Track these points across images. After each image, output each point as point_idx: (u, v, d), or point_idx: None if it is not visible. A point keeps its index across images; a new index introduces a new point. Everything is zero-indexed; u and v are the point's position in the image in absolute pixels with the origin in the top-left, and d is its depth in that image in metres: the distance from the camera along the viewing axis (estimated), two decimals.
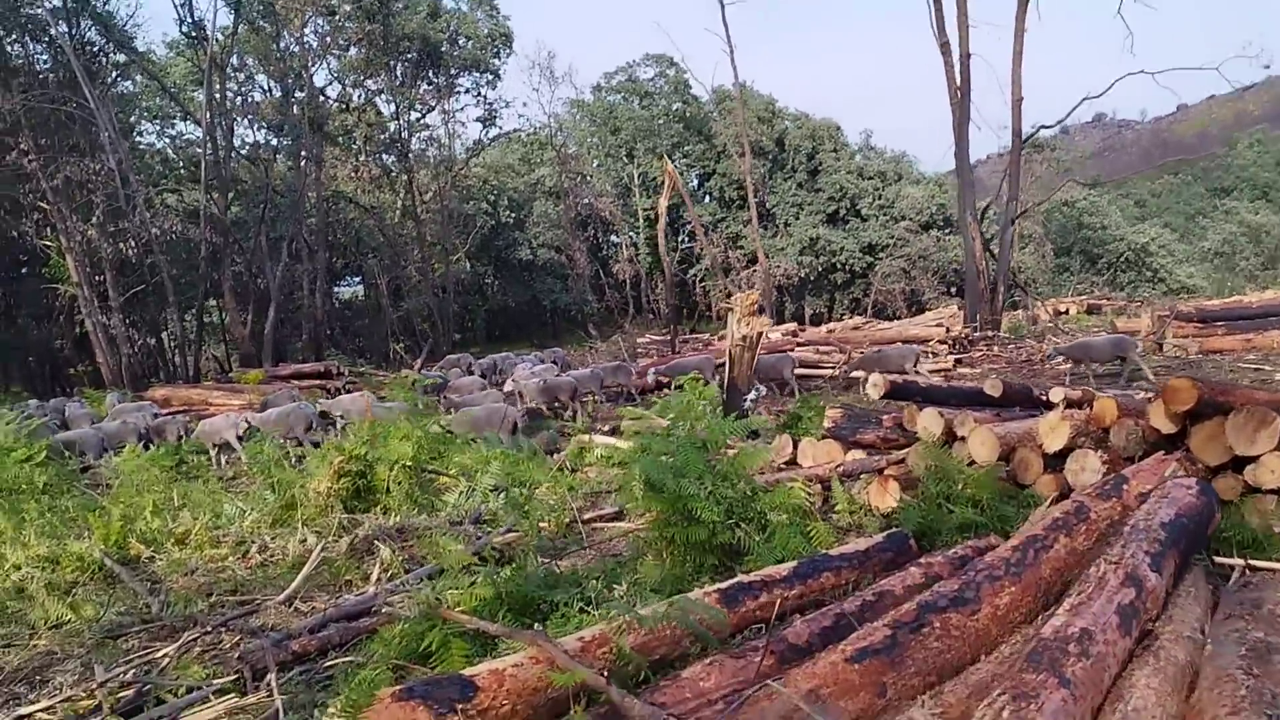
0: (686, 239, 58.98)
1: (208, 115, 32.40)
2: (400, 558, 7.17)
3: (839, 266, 54.45)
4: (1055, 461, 7.14)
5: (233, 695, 4.80)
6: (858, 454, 8.30)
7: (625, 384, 20.04)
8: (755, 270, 54.88)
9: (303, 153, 34.87)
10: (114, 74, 34.75)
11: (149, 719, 4.57)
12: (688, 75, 59.36)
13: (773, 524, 6.38)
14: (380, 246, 47.22)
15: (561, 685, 4.28)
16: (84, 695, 5.33)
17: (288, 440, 15.58)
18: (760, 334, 10.05)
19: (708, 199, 60.70)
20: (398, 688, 4.06)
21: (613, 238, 62.47)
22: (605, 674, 4.37)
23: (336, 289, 50.90)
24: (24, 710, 5.23)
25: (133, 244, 29.42)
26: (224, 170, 33.08)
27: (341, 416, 15.94)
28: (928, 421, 7.75)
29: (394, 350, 43.31)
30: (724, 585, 5.37)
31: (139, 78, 40.23)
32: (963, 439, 7.49)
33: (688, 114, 58.88)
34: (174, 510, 9.49)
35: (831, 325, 33.21)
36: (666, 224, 60.30)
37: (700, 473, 6.26)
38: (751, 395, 10.20)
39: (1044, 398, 9.06)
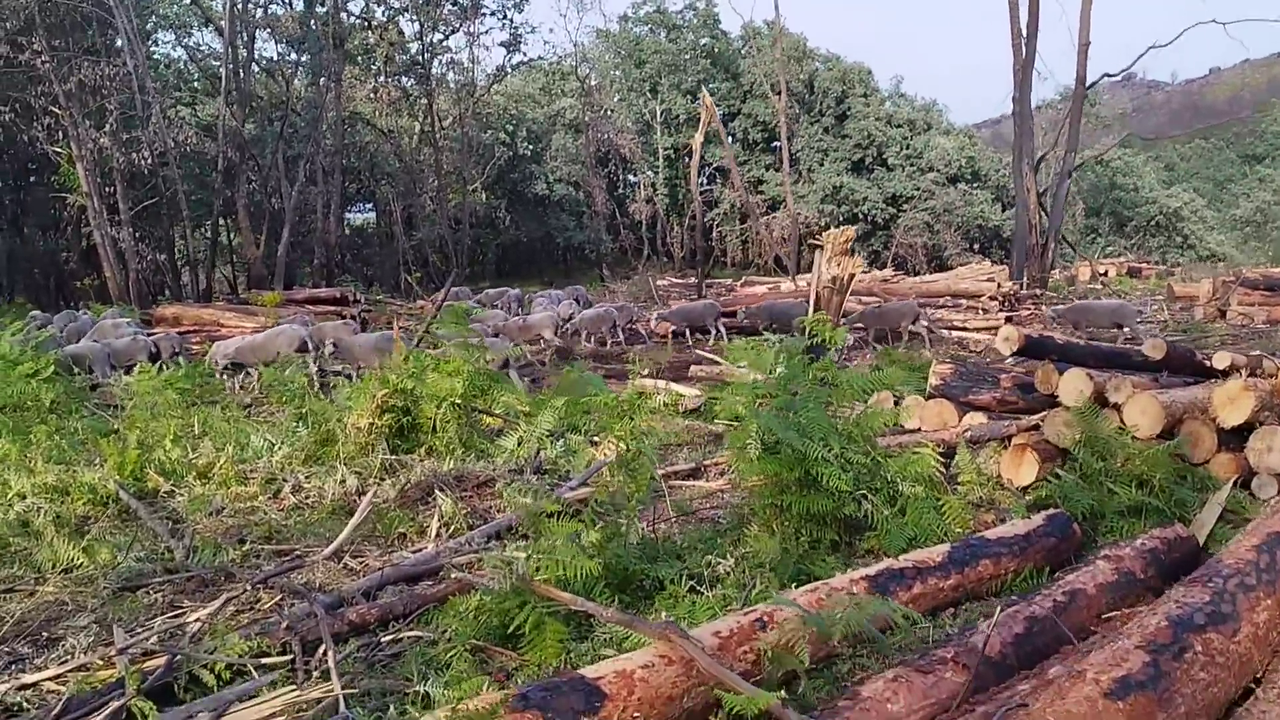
0: (704, 181, 57.63)
1: (229, 22, 30.96)
2: (462, 510, 6.23)
3: (861, 217, 53.11)
4: (1231, 438, 6.20)
5: (290, 688, 3.87)
6: (977, 417, 7.35)
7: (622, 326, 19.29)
8: (775, 216, 53.69)
9: (323, 69, 33.42)
10: None
11: (187, 715, 3.64)
12: (718, 8, 57.50)
13: (903, 496, 5.44)
14: (395, 173, 45.89)
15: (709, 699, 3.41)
16: (100, 663, 4.43)
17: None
18: (852, 276, 9.06)
19: (730, 140, 59.12)
20: (510, 694, 3.17)
21: (630, 176, 61.10)
22: (750, 678, 3.48)
23: (348, 215, 49.63)
24: (29, 678, 4.33)
25: (146, 154, 28.16)
26: (243, 83, 31.66)
27: (333, 346, 14.89)
28: (1074, 384, 6.75)
29: (405, 280, 42.25)
30: (871, 571, 4.46)
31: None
32: (1115, 406, 6.53)
33: (716, 49, 57.14)
34: (194, 439, 8.58)
35: (876, 275, 32.08)
36: (676, 161, 59.47)
37: (825, 433, 5.31)
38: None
39: (1207, 363, 8.03)
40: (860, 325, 17.94)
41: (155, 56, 38.01)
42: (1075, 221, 47.58)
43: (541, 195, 54.58)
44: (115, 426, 9.56)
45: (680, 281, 35.12)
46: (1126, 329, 15.60)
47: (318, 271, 36.40)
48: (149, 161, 28.93)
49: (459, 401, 7.70)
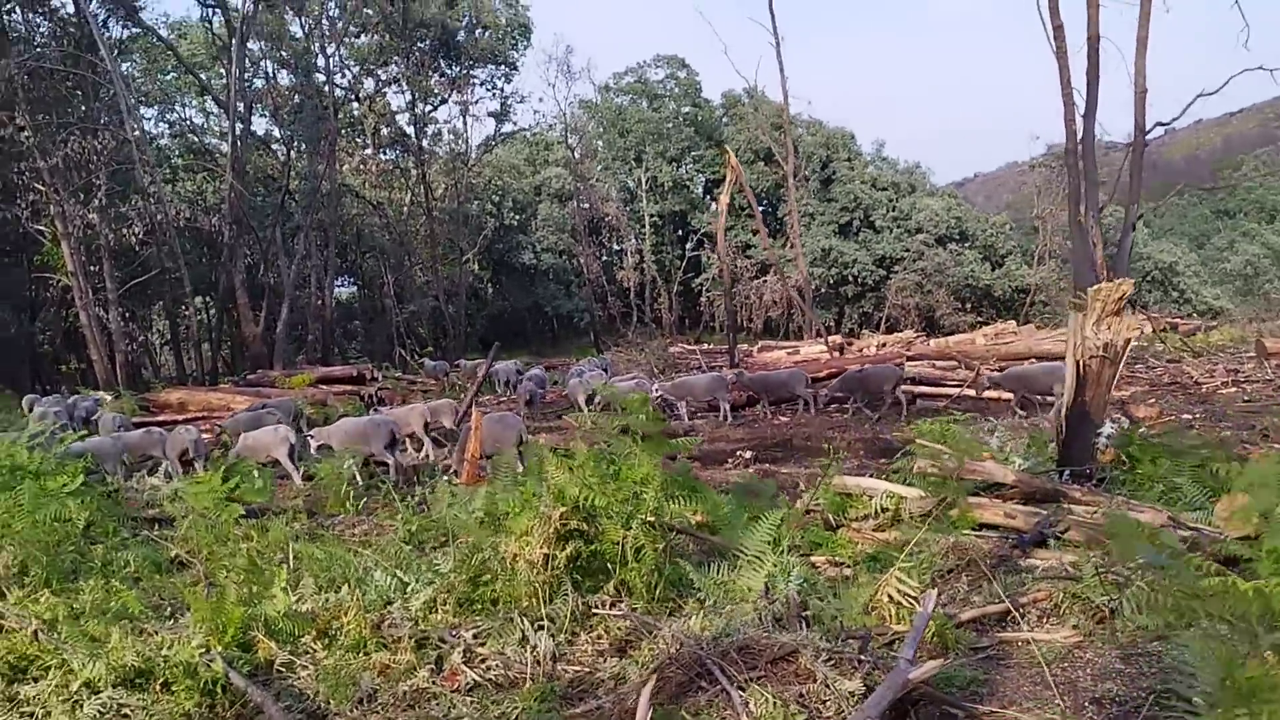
0: (694, 245, 56.30)
1: (233, 89, 29.08)
2: (775, 707, 4.15)
3: (851, 279, 51.95)
4: None
5: None
6: None
7: (721, 397, 17.32)
8: (765, 280, 52.39)
9: (319, 140, 31.61)
10: (115, 52, 31.44)
11: None
12: (699, 77, 56.68)
13: None
14: (382, 245, 44.07)
15: None
16: None
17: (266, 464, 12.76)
18: (1128, 341, 7.18)
19: (714, 205, 58.00)
20: None
21: (615, 244, 59.73)
22: None
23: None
24: None
25: (137, 230, 26.05)
26: (240, 156, 29.72)
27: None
28: None
29: (400, 354, 40.17)
30: None
31: (136, 59, 37.01)
32: None
33: (699, 118, 56.18)
34: (288, 574, 6.53)
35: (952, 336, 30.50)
36: (662, 228, 58.30)
37: None
38: (1107, 430, 7.38)
39: None
40: (841, 392, 16.58)
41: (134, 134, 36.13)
42: (1069, 279, 46.53)
43: (529, 265, 52.97)
44: (174, 553, 7.49)
45: (692, 348, 33.37)
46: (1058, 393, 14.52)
47: (311, 348, 34.29)
48: (139, 236, 26.82)
49: (652, 519, 5.76)
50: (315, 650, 5.37)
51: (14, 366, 37.60)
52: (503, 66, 43.77)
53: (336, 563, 6.82)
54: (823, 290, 52.40)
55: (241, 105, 29.96)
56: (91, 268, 28.35)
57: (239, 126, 29.43)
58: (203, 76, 35.18)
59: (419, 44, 39.71)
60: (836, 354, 29.32)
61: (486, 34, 41.82)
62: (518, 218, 52.93)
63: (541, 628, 5.30)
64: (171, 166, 37.92)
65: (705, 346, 36.54)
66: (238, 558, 6.67)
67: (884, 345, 30.70)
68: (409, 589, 6.00)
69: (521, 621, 5.32)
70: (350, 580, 6.16)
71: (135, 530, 8.59)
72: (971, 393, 15.62)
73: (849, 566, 6.21)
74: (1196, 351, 20.04)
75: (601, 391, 18.18)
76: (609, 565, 5.85)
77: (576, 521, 5.79)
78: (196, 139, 41.13)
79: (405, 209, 43.08)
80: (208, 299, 30.52)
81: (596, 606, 5.60)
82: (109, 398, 22.12)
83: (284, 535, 7.55)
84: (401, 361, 37.73)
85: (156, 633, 5.55)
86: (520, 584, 5.61)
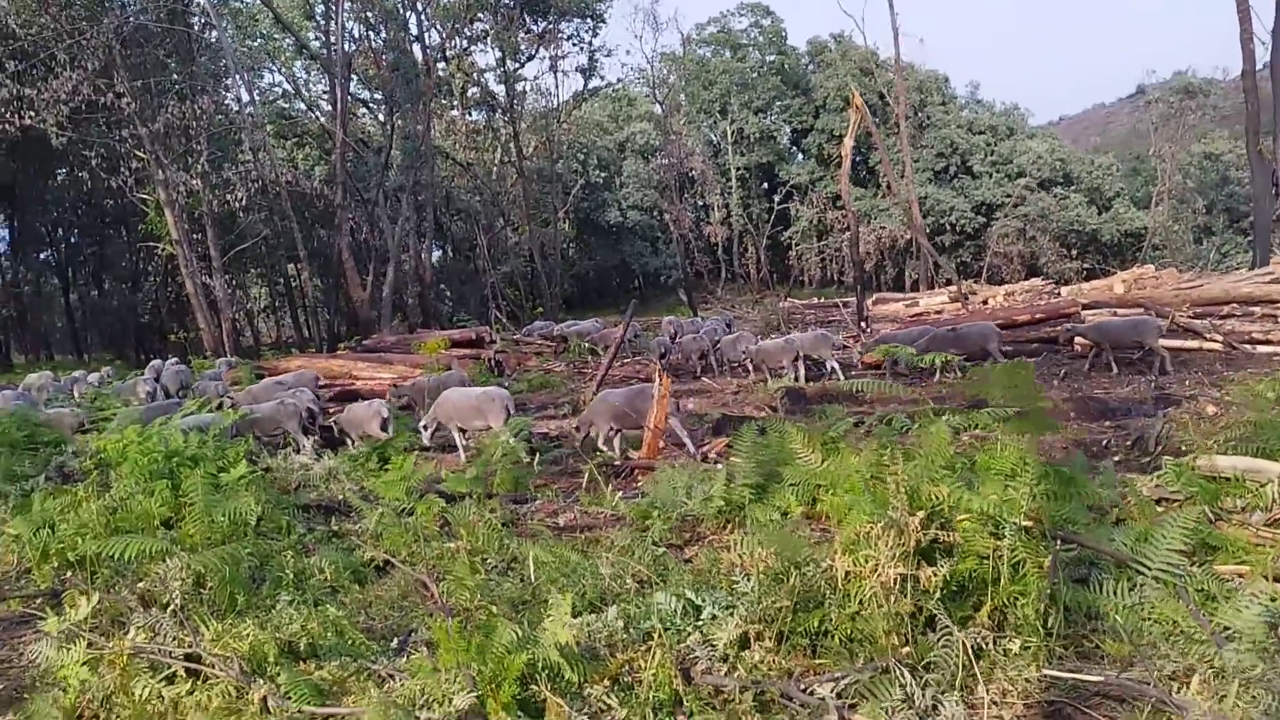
0: (782, 198, 54.21)
1: (341, 47, 27.70)
2: None
3: (949, 227, 49.56)
4: None
5: None
6: None
7: (825, 357, 15.61)
8: (860, 231, 50.11)
9: (419, 99, 30.15)
10: (213, 13, 30.41)
11: None
12: (784, 24, 54.23)
13: None
14: (471, 207, 42.83)
15: None
16: None
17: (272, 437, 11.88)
18: None
19: (802, 157, 55.78)
20: None
21: (700, 200, 57.80)
22: None
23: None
24: None
25: (240, 195, 25.02)
26: (346, 116, 28.28)
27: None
28: None
29: (495, 315, 39.04)
30: None
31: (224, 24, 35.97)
32: None
33: (785, 66, 53.79)
34: (520, 586, 5.18)
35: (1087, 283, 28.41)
36: (751, 180, 56.16)
37: None
38: None
39: None
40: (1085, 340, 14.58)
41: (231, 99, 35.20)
42: (1186, 221, 43.65)
43: (615, 223, 51.36)
44: (368, 555, 6.19)
45: (804, 304, 31.65)
46: (1152, 348, 12.85)
47: (413, 311, 33.21)
48: (242, 202, 25.82)
49: (1030, 522, 4.27)
50: (613, 708, 3.97)
51: (119, 336, 37.36)
52: (589, 20, 41.96)
53: (578, 570, 5.45)
54: (918, 241, 50.06)
55: (343, 68, 28.56)
56: (195, 235, 27.55)
57: (339, 90, 27.97)
58: (293, 41, 33.98)
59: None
60: (962, 304, 27.42)
61: None
62: (603, 175, 51.35)
63: (925, 681, 3.84)
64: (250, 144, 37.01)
65: (818, 301, 34.84)
66: (461, 566, 5.32)
67: (1012, 294, 28.69)
68: (703, 614, 4.57)
69: (899, 671, 3.86)
70: (617, 598, 4.76)
71: (309, 523, 7.31)
72: (1170, 343, 13.76)
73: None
74: None
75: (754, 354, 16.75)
76: (973, 586, 4.36)
77: (934, 529, 4.30)
78: (286, 105, 40.22)
79: (495, 169, 41.69)
80: (305, 266, 29.30)
81: (988, 647, 4.10)
82: (225, 366, 21.23)
83: (497, 531, 6.19)
84: (498, 322, 36.68)
85: (393, 676, 4.23)
86: (875, 615, 4.14)
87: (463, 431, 11.74)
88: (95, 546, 5.96)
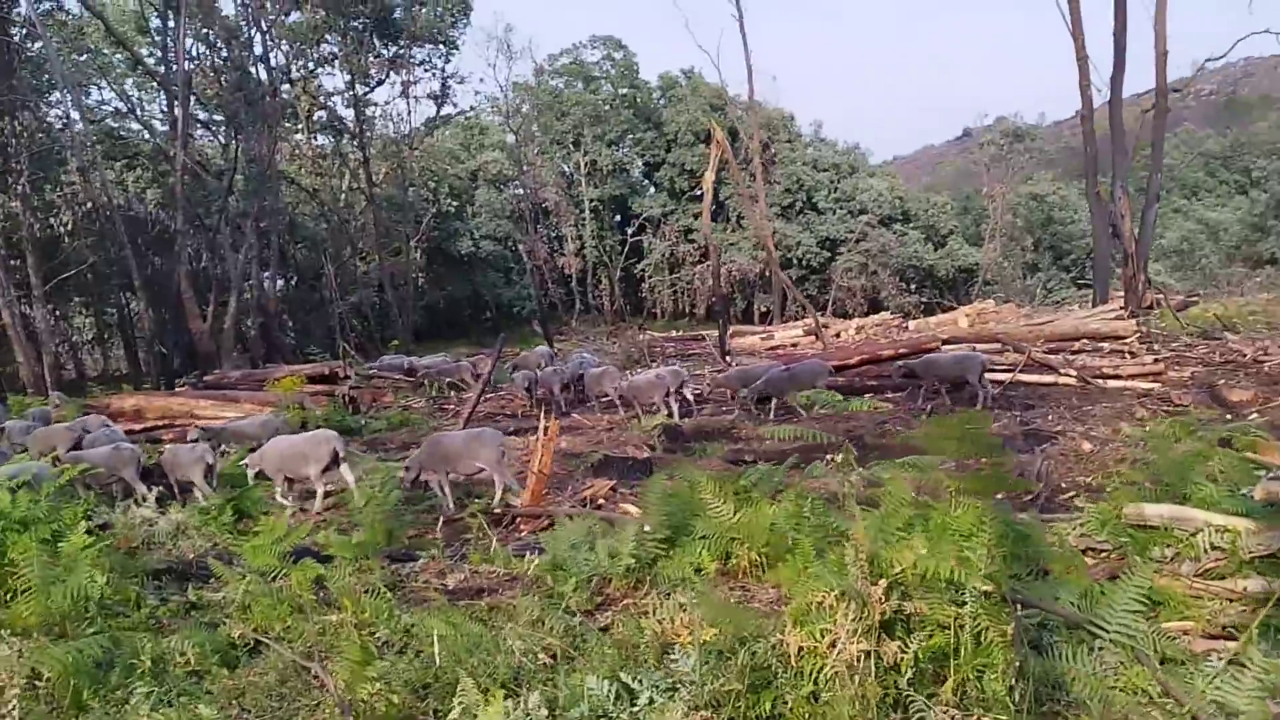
0: (634, 230, 54.38)
1: (181, 61, 25.90)
2: None
3: (795, 261, 50.64)
4: None
5: None
6: None
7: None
8: (708, 265, 50.65)
9: (262, 122, 28.64)
10: (23, 31, 28.15)
11: None
12: (636, 58, 54.65)
13: None
14: (317, 235, 41.12)
15: None
16: None
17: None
18: None
19: (654, 190, 56.18)
20: None
21: (554, 231, 57.37)
22: None
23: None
24: None
25: (65, 219, 23.11)
26: (186, 137, 26.38)
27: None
28: None
29: (342, 347, 37.43)
30: None
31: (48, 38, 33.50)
32: None
33: (637, 99, 54.16)
34: (416, 664, 4.59)
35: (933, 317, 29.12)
36: (604, 212, 56.16)
37: None
38: None
39: None
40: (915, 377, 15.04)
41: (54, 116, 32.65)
42: (1014, 258, 45.96)
43: (467, 253, 50.34)
44: (235, 633, 5.42)
45: (663, 336, 31.60)
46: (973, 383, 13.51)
47: (254, 343, 31.45)
48: (68, 227, 23.88)
49: (989, 587, 3.93)
50: None
51: None
52: (441, 45, 41.11)
53: (483, 645, 4.87)
54: (767, 274, 50.95)
55: (181, 84, 26.80)
56: (12, 261, 25.34)
57: (179, 109, 26.16)
58: (125, 56, 31.90)
59: (354, 21, 36.96)
60: (815, 339, 27.86)
61: (425, 10, 39.09)
62: (454, 204, 50.39)
63: None
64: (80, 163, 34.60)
65: (675, 333, 34.87)
66: (350, 645, 4.65)
67: (862, 329, 29.36)
68: (639, 699, 4.08)
69: None
70: (533, 679, 4.23)
71: (161, 593, 6.45)
72: (1027, 378, 14.12)
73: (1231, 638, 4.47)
74: (1232, 328, 18.87)
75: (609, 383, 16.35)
76: (932, 659, 4.02)
77: (896, 599, 3.95)
78: (116, 124, 37.74)
79: (343, 195, 40.21)
80: (140, 295, 27.05)
81: None
82: (54, 404, 19.44)
83: (385, 600, 5.54)
84: (347, 355, 35.11)
85: None
86: (839, 698, 3.73)
87: (290, 482, 10.81)
88: None
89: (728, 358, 22.37)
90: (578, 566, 6.13)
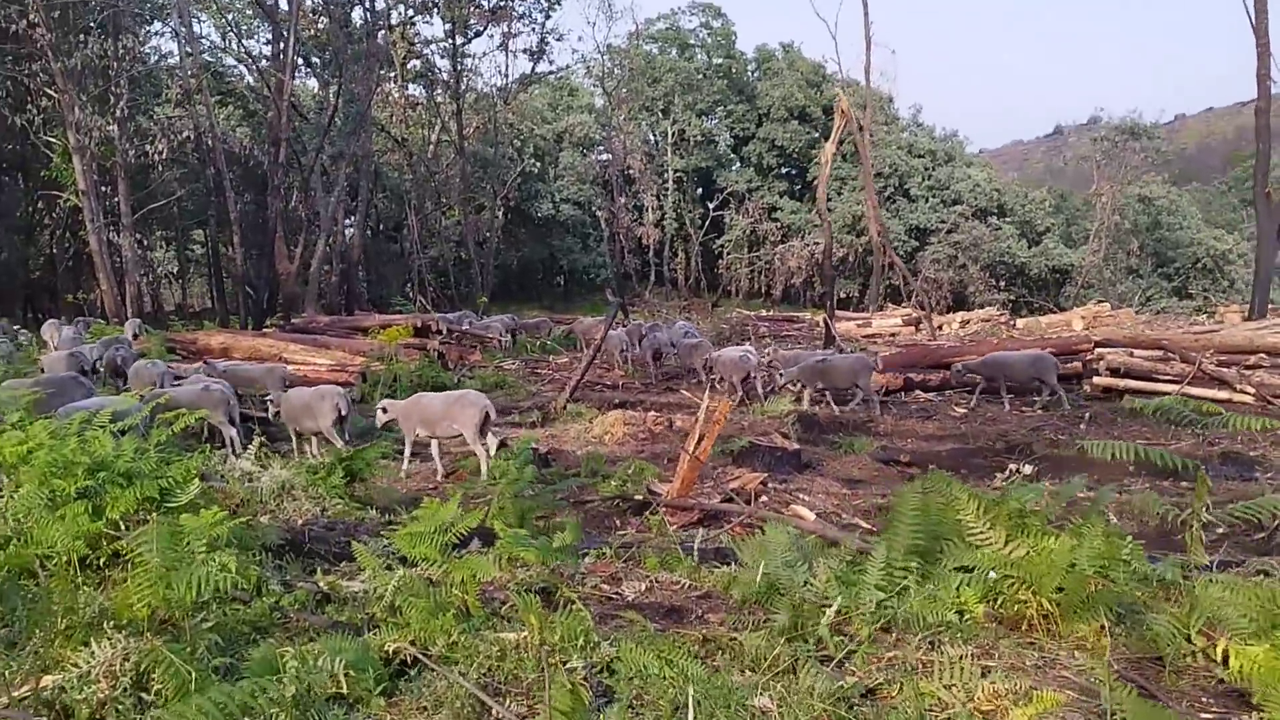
0: (717, 205, 52.77)
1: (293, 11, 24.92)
2: None
3: (880, 249, 48.73)
4: None
5: None
6: None
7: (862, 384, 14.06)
8: (791, 246, 48.97)
9: (367, 64, 27.47)
10: None
11: None
12: (735, 27, 52.90)
13: None
14: (398, 185, 40.20)
15: None
16: None
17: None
18: None
19: (740, 164, 54.49)
20: None
21: (633, 200, 56.01)
22: None
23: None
24: None
25: (160, 147, 22.24)
26: (292, 68, 25.13)
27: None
28: None
29: (420, 300, 36.58)
30: None
31: None
32: None
33: (732, 71, 52.45)
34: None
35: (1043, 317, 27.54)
36: (687, 183, 54.63)
37: None
38: None
39: None
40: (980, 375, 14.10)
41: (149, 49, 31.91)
42: (1116, 261, 43.63)
43: (546, 216, 49.18)
44: (390, 645, 4.26)
45: (771, 315, 30.25)
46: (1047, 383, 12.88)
47: (333, 290, 30.62)
48: (162, 155, 23.06)
49: None
50: None
51: (7, 294, 33.80)
52: (542, 0, 39.80)
53: (713, 696, 3.66)
54: (850, 260, 49.15)
55: (294, 23, 25.72)
56: (103, 188, 24.71)
57: (287, 38, 25.05)
58: None
59: None
60: (916, 329, 26.35)
61: None
62: (537, 165, 49.27)
63: None
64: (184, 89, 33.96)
65: (766, 312, 33.50)
66: (561, 692, 3.46)
67: (966, 323, 27.77)
68: None
69: None
70: None
71: (281, 571, 5.33)
72: (1219, 394, 12.58)
73: None
74: None
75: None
76: None
77: None
78: (212, 59, 37.06)
79: (431, 147, 39.18)
80: (234, 230, 26.13)
81: None
82: (132, 333, 18.69)
83: (583, 626, 4.32)
84: (421, 308, 34.20)
85: None
86: None
87: (299, 435, 10.65)
88: None
89: (835, 343, 20.93)
90: (794, 590, 4.88)
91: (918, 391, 14.65)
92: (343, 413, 10.49)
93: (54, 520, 5.07)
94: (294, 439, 10.90)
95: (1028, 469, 8.93)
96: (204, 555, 4.19)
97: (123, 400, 10.21)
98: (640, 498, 8.23)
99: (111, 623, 3.98)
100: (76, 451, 5.30)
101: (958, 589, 4.74)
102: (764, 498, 8.10)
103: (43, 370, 13.50)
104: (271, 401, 11.18)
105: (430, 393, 11.30)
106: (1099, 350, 14.52)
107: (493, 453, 9.58)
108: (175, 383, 12.58)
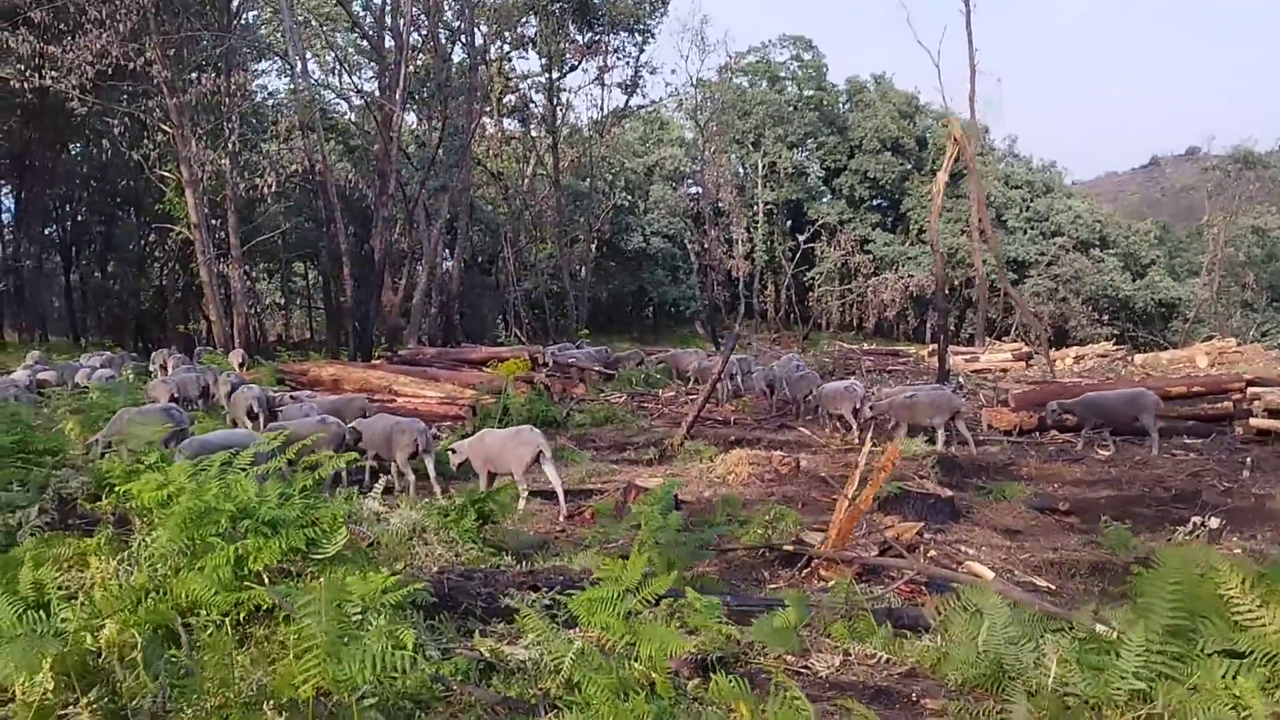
0: (808, 237, 51.91)
1: (407, 20, 25.06)
2: None
3: (976, 281, 47.33)
4: None
5: None
6: None
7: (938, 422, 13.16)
8: (885, 278, 47.83)
9: (470, 97, 27.55)
10: None
11: None
12: (825, 59, 52.27)
13: None
14: (493, 218, 40.28)
15: None
16: None
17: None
18: None
19: (830, 196, 53.61)
20: None
21: (723, 232, 55.43)
22: None
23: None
24: None
25: (270, 180, 22.38)
26: (404, 98, 25.09)
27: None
28: None
29: (515, 333, 36.44)
30: None
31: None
32: None
33: (823, 103, 51.79)
34: None
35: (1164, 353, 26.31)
36: (777, 216, 53.88)
37: None
38: None
39: None
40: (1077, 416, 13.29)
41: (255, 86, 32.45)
42: (1230, 294, 41.59)
43: (637, 249, 48.89)
44: None
45: (875, 349, 29.44)
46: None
47: (434, 321, 30.59)
48: (271, 187, 23.23)
49: None
50: None
51: (119, 322, 34.66)
52: (636, 34, 39.66)
53: None
54: (945, 291, 47.75)
55: (404, 55, 25.80)
56: (213, 221, 25.05)
57: (397, 69, 25.07)
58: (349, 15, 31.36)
59: (555, 4, 35.82)
60: (1026, 365, 25.22)
61: None
62: (628, 198, 49.13)
63: None
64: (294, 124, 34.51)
65: (869, 346, 32.61)
66: None
67: (1081, 359, 26.52)
68: None
69: None
70: None
71: (435, 633, 4.81)
72: None
73: None
74: None
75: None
76: None
77: None
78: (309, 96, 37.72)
79: (526, 181, 39.21)
80: (346, 263, 26.16)
81: None
82: (234, 362, 18.74)
83: (803, 713, 3.69)
84: (516, 340, 34.00)
85: None
86: None
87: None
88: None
89: (950, 379, 19.99)
90: (1025, 673, 4.19)
91: (1054, 432, 13.70)
92: (420, 448, 10.44)
93: (194, 573, 4.65)
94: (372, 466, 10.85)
95: (1214, 522, 8.03)
96: (375, 628, 3.68)
97: (243, 434, 9.98)
98: (789, 548, 7.57)
99: (271, 702, 3.49)
100: (220, 498, 4.86)
101: (1224, 677, 3.99)
102: (931, 551, 7.36)
103: (147, 400, 13.45)
104: (352, 429, 10.97)
105: (494, 429, 11.04)
106: (1252, 390, 13.42)
107: (556, 485, 9.35)
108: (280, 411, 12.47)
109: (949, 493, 8.98)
